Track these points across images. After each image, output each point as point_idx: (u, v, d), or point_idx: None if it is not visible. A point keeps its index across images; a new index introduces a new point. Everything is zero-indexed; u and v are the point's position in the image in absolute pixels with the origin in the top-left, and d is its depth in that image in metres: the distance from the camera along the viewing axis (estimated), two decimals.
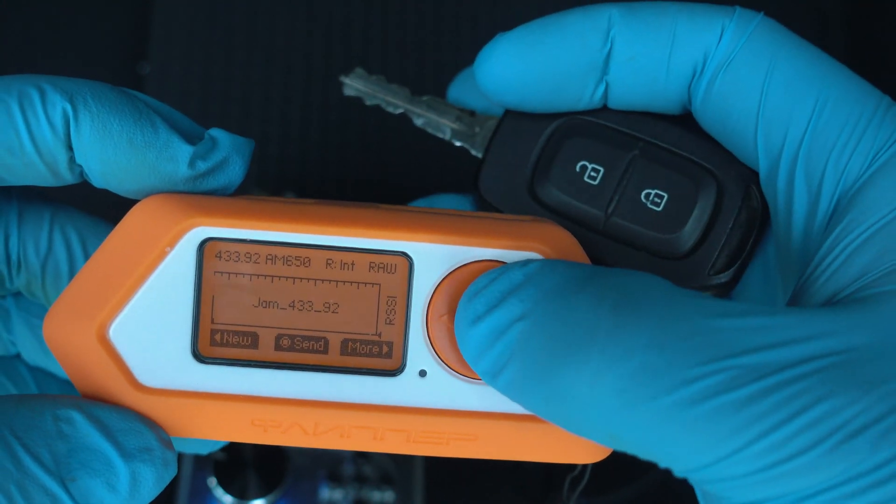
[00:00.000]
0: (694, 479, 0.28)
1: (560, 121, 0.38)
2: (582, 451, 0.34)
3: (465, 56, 0.73)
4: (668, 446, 0.27)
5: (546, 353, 0.29)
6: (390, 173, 0.70)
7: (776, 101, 0.33)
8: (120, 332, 0.32)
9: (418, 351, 0.33)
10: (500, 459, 0.34)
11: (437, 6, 0.74)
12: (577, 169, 0.37)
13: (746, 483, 0.27)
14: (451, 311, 0.33)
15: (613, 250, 0.36)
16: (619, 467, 0.64)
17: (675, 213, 0.36)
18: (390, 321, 0.33)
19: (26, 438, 0.29)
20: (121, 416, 0.31)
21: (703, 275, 0.36)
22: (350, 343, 0.33)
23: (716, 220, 0.36)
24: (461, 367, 0.33)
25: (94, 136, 0.31)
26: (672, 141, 0.37)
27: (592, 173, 0.37)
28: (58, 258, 0.36)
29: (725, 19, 0.34)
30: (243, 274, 0.33)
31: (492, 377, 0.30)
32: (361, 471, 0.64)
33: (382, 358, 0.33)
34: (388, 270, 0.33)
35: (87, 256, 0.36)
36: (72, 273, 0.36)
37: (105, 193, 0.34)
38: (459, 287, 0.33)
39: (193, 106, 0.72)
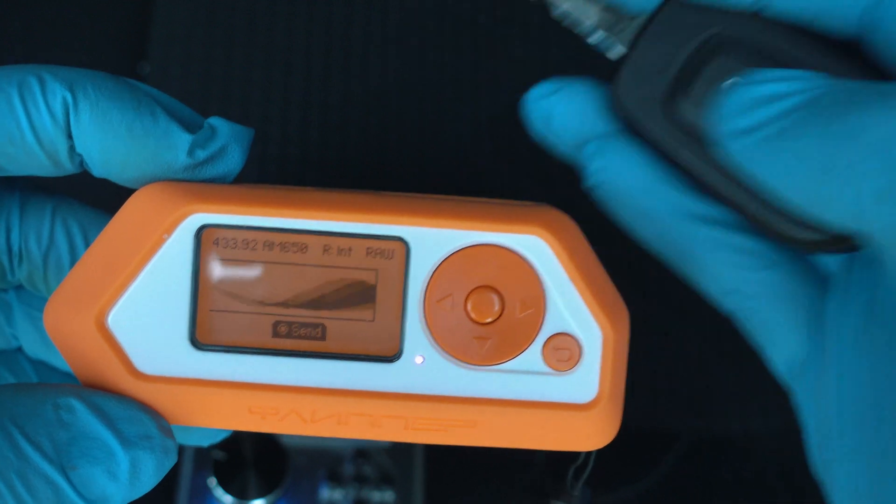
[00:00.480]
0: None
1: (719, 28, 0.35)
2: (584, 437, 0.34)
3: (462, 58, 0.74)
4: None
5: (842, 101, 0.29)
6: (391, 174, 0.70)
7: None
8: (118, 319, 0.33)
9: (416, 337, 0.33)
10: (500, 447, 0.34)
11: (438, 6, 0.75)
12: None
13: None
14: (449, 296, 0.33)
15: (746, 198, 0.35)
16: (620, 467, 0.65)
17: None
18: (388, 307, 0.33)
19: (27, 427, 0.30)
20: (120, 404, 0.32)
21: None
22: (347, 329, 0.33)
23: None
24: (460, 352, 0.33)
25: (94, 125, 0.32)
26: (840, 70, 0.34)
27: None
28: (59, 250, 0.37)
29: None
30: (241, 260, 0.33)
31: (745, 133, 0.31)
32: (361, 471, 0.65)
33: (380, 344, 0.34)
34: (386, 256, 0.33)
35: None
36: (73, 265, 0.37)
37: (105, 187, 0.35)
38: (457, 272, 0.33)
39: (193, 106, 0.72)
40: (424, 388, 0.34)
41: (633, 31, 0.37)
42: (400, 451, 0.65)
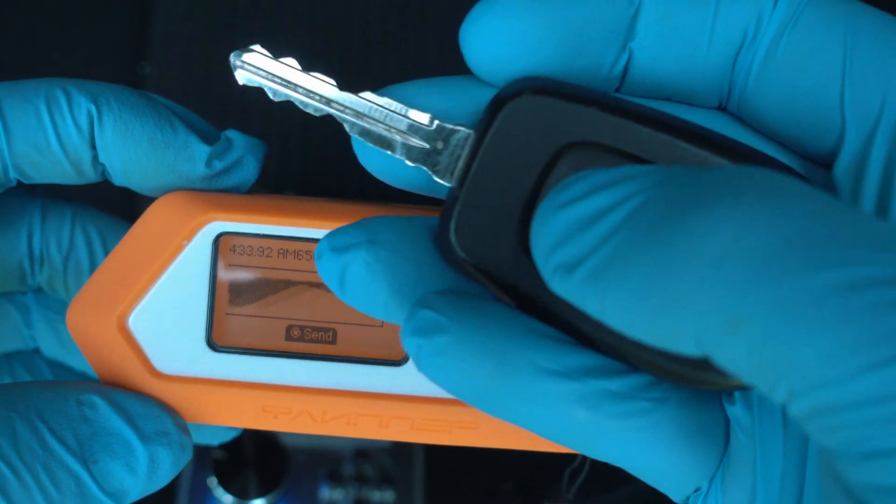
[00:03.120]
0: (804, 408, 0.22)
1: (565, 142, 0.30)
2: None
3: (461, 58, 0.76)
4: (806, 341, 0.21)
5: (665, 214, 0.24)
6: None
7: (866, 56, 0.29)
8: (139, 321, 0.35)
9: None
10: (501, 448, 0.36)
11: (439, 6, 0.76)
12: None
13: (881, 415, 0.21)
14: None
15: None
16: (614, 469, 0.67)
17: None
18: None
19: (52, 422, 0.32)
20: (140, 402, 0.34)
21: None
22: (357, 334, 0.36)
23: None
24: None
25: (117, 136, 0.34)
26: None
27: None
28: (79, 254, 0.39)
29: None
30: (256, 267, 0.35)
31: (566, 270, 0.26)
32: (361, 471, 0.66)
33: (388, 348, 0.36)
34: None
35: (106, 253, 0.39)
36: (92, 269, 0.39)
37: (119, 196, 0.37)
38: None
39: (193, 106, 0.74)
40: (430, 390, 0.36)
41: (451, 161, 0.31)
42: (400, 451, 0.67)
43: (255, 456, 0.65)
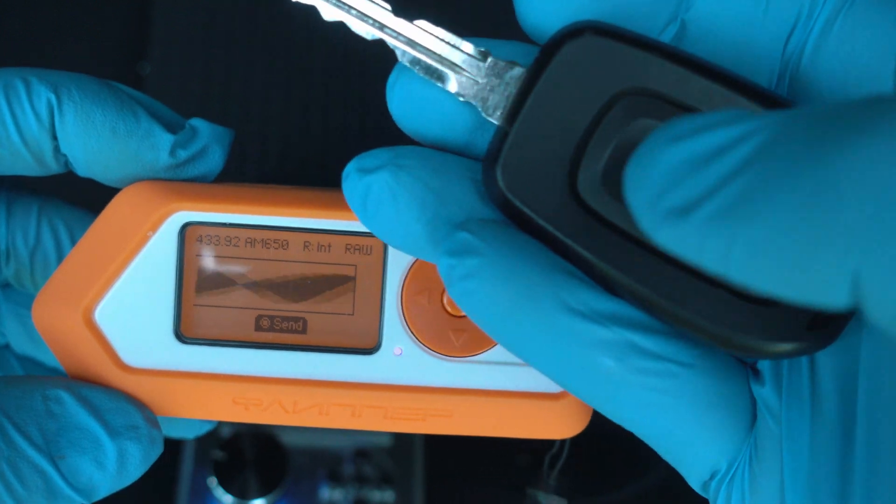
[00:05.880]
0: None
1: (622, 88, 0.29)
2: (557, 425, 0.36)
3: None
4: None
5: (809, 143, 0.21)
6: None
7: None
8: (105, 314, 0.35)
9: (394, 329, 0.36)
10: (476, 436, 0.36)
11: (439, 6, 0.76)
12: None
13: None
14: (425, 290, 0.35)
15: (681, 284, 0.28)
16: (619, 466, 0.66)
17: None
18: (367, 301, 0.36)
19: (16, 418, 0.32)
20: (107, 396, 0.34)
21: (798, 328, 0.28)
22: (328, 323, 0.36)
23: None
24: (436, 344, 0.36)
25: (78, 126, 0.34)
26: None
27: None
28: (46, 248, 0.39)
29: None
30: (224, 257, 0.35)
31: (679, 214, 0.23)
32: (361, 471, 0.66)
33: (359, 337, 0.36)
34: (364, 252, 0.35)
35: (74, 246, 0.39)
36: (60, 262, 0.39)
37: (90, 188, 0.37)
38: (434, 267, 0.35)
39: (193, 106, 0.74)
40: (403, 378, 0.36)
41: (504, 99, 0.31)
42: (400, 451, 0.67)
43: (255, 456, 0.65)
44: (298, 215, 0.35)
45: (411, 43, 0.31)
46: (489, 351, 0.36)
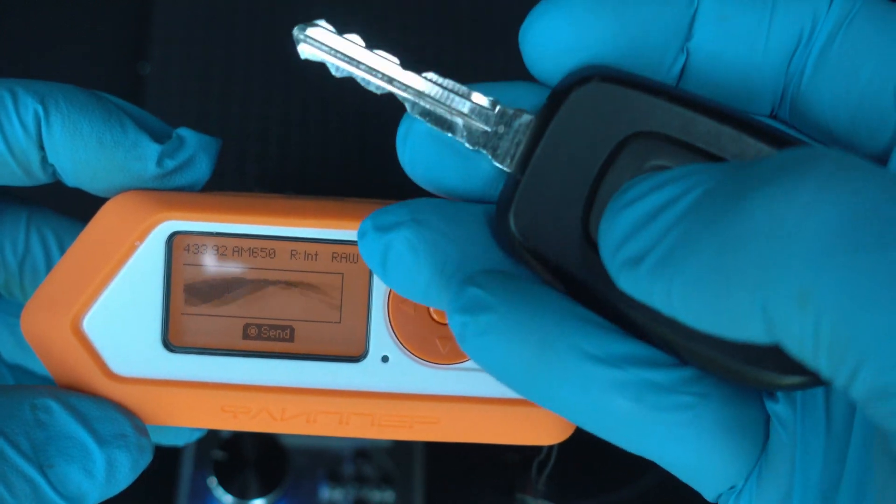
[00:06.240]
0: (871, 387, 0.22)
1: (630, 132, 0.30)
2: (544, 432, 0.36)
3: (464, 55, 0.75)
4: (879, 317, 0.21)
5: (729, 197, 0.24)
6: (391, 173, 0.72)
7: None
8: (93, 323, 0.35)
9: (380, 337, 0.36)
10: (464, 442, 0.36)
11: (438, 6, 0.76)
12: None
13: None
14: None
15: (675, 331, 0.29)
16: (610, 471, 0.66)
17: None
18: (353, 309, 0.36)
19: (5, 427, 0.32)
20: (96, 405, 0.34)
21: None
22: (315, 331, 0.36)
23: None
24: (423, 352, 0.36)
25: (66, 136, 0.34)
26: None
27: None
28: (35, 258, 0.39)
29: None
30: (211, 266, 0.35)
31: (632, 264, 0.26)
32: (361, 471, 0.66)
33: (346, 344, 0.36)
34: (351, 260, 0.36)
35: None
36: (49, 272, 0.39)
37: (79, 196, 0.37)
38: None
39: (193, 106, 0.75)
40: (389, 386, 0.36)
41: (512, 146, 0.31)
42: (400, 451, 0.67)
43: (255, 456, 0.66)
44: (285, 224, 0.35)
45: (420, 95, 0.32)
46: None
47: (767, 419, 0.32)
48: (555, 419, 0.36)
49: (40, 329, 0.35)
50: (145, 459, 0.35)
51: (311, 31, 0.32)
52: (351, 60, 0.32)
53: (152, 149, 0.35)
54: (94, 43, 0.76)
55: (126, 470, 0.34)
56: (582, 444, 0.30)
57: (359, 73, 0.32)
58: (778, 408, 0.31)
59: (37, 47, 0.75)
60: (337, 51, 0.32)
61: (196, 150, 0.36)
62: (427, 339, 0.36)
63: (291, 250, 0.35)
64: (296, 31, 0.32)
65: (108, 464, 0.33)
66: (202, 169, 0.36)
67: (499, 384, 0.35)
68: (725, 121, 0.29)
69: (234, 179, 0.73)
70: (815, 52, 0.30)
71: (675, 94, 0.30)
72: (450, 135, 0.32)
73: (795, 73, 0.31)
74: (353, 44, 0.32)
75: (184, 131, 0.36)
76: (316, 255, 0.36)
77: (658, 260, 0.25)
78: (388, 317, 0.36)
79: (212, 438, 0.65)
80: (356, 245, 0.35)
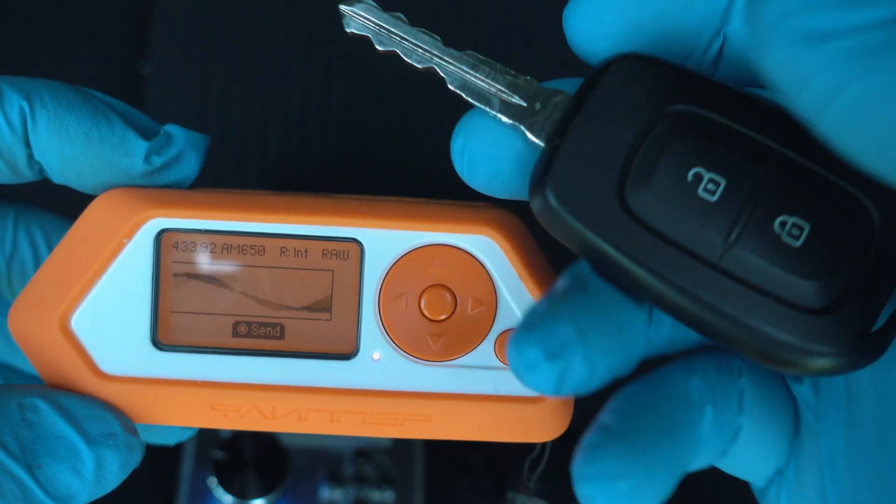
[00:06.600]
0: None
1: (669, 107, 0.30)
2: (537, 429, 0.36)
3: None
4: None
5: None
6: (391, 174, 0.72)
7: None
8: (81, 321, 0.35)
9: (371, 334, 0.36)
10: (456, 440, 0.36)
11: (436, 10, 0.76)
12: (690, 178, 0.29)
13: None
14: (403, 295, 0.35)
15: (731, 293, 0.29)
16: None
17: (819, 252, 0.29)
18: (344, 306, 0.36)
19: None
20: (84, 404, 0.34)
21: (847, 338, 0.28)
22: (305, 328, 0.36)
23: (870, 266, 0.29)
24: (414, 349, 0.35)
25: (52, 133, 0.34)
26: (816, 157, 0.29)
27: (710, 185, 0.29)
28: (23, 256, 0.39)
29: None
30: (200, 263, 0.35)
31: (816, 38, 0.22)
32: (361, 471, 0.66)
33: (337, 342, 0.36)
34: (341, 257, 0.35)
35: None
36: (37, 270, 0.39)
37: (67, 193, 0.37)
38: (410, 271, 0.35)
39: (193, 106, 0.75)
40: (381, 383, 0.36)
41: (546, 123, 0.32)
42: (400, 451, 0.67)
43: (255, 456, 0.65)
44: (275, 221, 0.35)
45: (460, 69, 0.32)
46: (467, 355, 0.36)
47: (795, 404, 0.32)
48: (548, 416, 0.35)
49: (28, 327, 0.35)
50: (135, 459, 0.34)
51: (357, 6, 0.33)
52: (394, 35, 0.33)
53: (140, 145, 0.35)
54: (94, 43, 0.76)
55: (115, 469, 0.34)
56: (574, 442, 0.29)
57: (402, 46, 0.33)
58: (803, 389, 0.32)
59: (37, 47, 0.75)
60: (382, 26, 0.33)
61: (184, 147, 0.36)
62: (418, 336, 0.35)
63: (281, 247, 0.35)
64: (341, 7, 0.33)
65: (97, 463, 0.33)
66: (190, 166, 0.36)
67: (490, 381, 0.35)
68: (765, 107, 0.30)
69: (234, 179, 0.73)
70: None
71: (712, 79, 0.30)
72: (486, 108, 0.32)
73: None
74: (397, 19, 0.33)
75: (172, 128, 0.36)
76: (306, 251, 0.35)
77: (851, 50, 0.21)
78: (380, 314, 0.35)
79: (212, 438, 0.65)
80: (346, 242, 0.35)
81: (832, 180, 0.29)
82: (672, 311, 0.30)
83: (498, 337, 0.36)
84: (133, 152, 0.35)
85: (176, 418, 0.36)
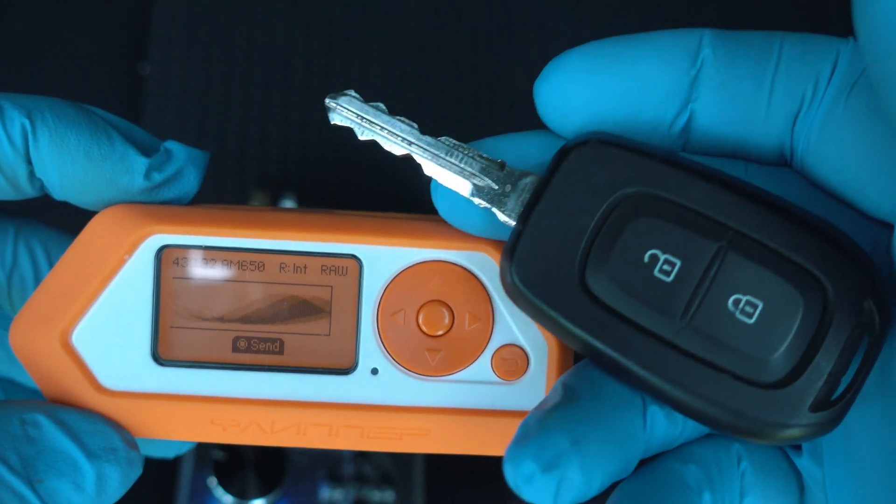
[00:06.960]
0: None
1: (626, 191, 0.31)
2: None
3: (458, 64, 0.75)
4: None
5: None
6: (390, 173, 0.72)
7: None
8: (82, 337, 0.35)
9: (370, 350, 0.36)
10: (454, 454, 0.36)
11: (436, 11, 0.76)
12: (647, 259, 0.31)
13: None
14: (401, 310, 0.35)
15: (688, 369, 0.30)
16: None
17: (772, 329, 0.30)
18: (343, 322, 0.36)
19: None
20: (85, 419, 0.34)
21: (801, 411, 0.29)
22: (304, 343, 0.36)
23: (821, 340, 0.29)
24: (412, 364, 0.36)
25: (53, 150, 0.34)
26: (770, 233, 0.30)
27: (666, 266, 0.31)
28: (23, 270, 0.39)
29: (840, 44, 0.31)
30: (200, 279, 0.35)
31: None
32: (361, 471, 0.66)
33: (336, 357, 0.36)
34: (340, 273, 0.36)
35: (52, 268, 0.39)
36: (37, 285, 0.39)
37: (68, 209, 0.37)
38: (408, 287, 0.35)
39: (193, 106, 0.75)
40: (379, 398, 0.36)
41: (516, 204, 0.33)
42: (400, 452, 0.67)
43: (255, 456, 0.66)
44: (274, 237, 0.35)
45: (435, 156, 0.34)
46: (465, 370, 0.36)
47: (798, 476, 0.33)
48: None
49: (29, 342, 0.35)
50: (135, 473, 0.35)
51: (341, 100, 0.34)
52: (374, 124, 0.34)
53: (140, 162, 0.35)
54: (94, 43, 0.77)
55: (116, 484, 0.34)
56: None
57: (381, 136, 0.34)
58: (804, 462, 0.32)
59: (37, 48, 0.75)
60: (363, 117, 0.34)
61: (184, 164, 0.36)
62: (416, 351, 0.36)
63: (281, 263, 0.35)
64: (328, 101, 0.34)
65: (97, 478, 0.33)
66: (190, 182, 0.36)
67: (488, 396, 0.36)
68: (719, 184, 0.31)
69: (234, 180, 0.73)
70: (820, 116, 0.30)
71: (671, 158, 0.31)
72: (460, 193, 0.34)
73: (801, 134, 0.31)
74: (377, 110, 0.34)
75: (172, 144, 0.36)
76: (305, 267, 0.35)
77: None
78: (378, 329, 0.36)
79: None
80: (345, 258, 0.35)
81: (786, 255, 0.30)
82: (639, 388, 0.31)
83: (495, 352, 0.36)
84: (133, 169, 0.35)
85: (176, 433, 0.36)
